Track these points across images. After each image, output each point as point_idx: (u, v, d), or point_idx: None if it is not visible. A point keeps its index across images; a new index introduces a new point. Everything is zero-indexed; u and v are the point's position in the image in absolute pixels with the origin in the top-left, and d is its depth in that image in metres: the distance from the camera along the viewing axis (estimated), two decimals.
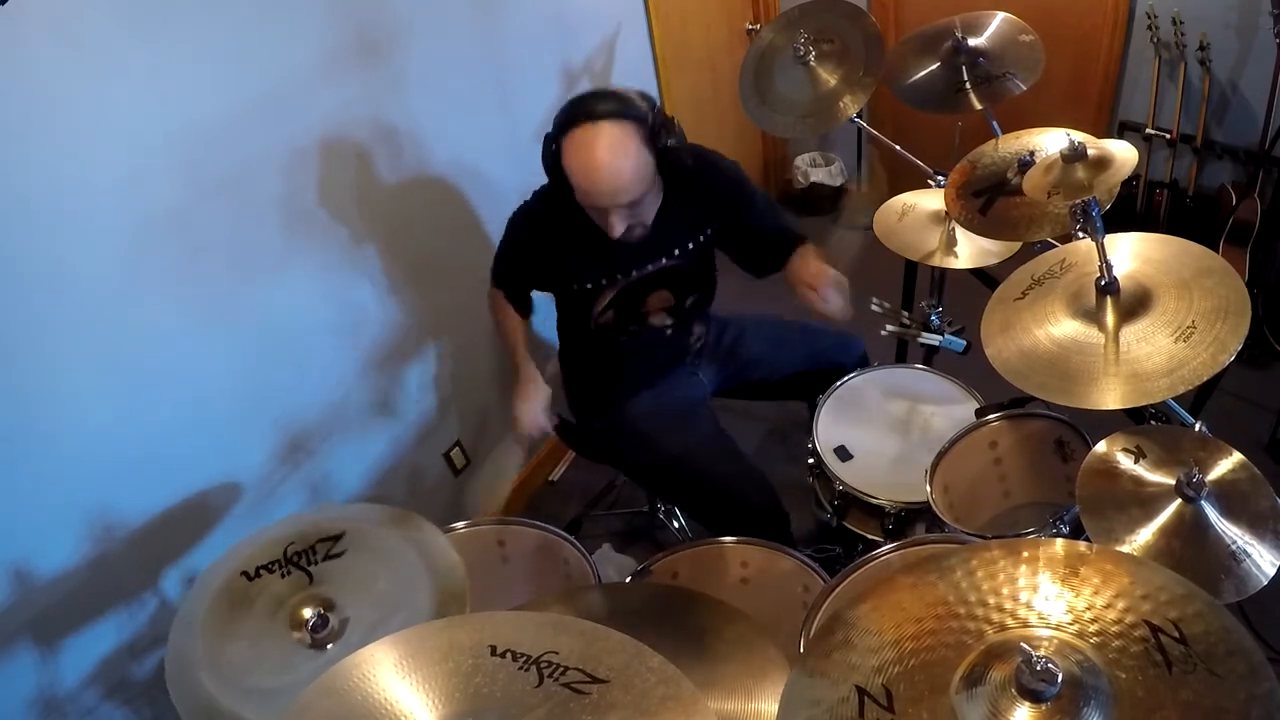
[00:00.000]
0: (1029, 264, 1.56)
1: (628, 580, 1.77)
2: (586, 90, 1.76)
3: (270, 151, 1.87)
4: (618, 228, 1.79)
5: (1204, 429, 1.40)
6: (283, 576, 1.38)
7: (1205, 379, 1.23)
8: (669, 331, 2.09)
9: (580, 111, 1.70)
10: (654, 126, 1.73)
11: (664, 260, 1.94)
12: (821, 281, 1.90)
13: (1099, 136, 1.71)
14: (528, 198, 1.99)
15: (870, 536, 2.00)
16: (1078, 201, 1.48)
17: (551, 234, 1.90)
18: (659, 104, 1.78)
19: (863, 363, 2.27)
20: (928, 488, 1.78)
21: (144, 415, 1.76)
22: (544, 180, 1.96)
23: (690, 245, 1.96)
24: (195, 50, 1.68)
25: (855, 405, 2.15)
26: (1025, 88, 2.03)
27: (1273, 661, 0.85)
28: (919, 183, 2.27)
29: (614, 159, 1.69)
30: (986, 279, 2.17)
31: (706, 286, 2.13)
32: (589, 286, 1.93)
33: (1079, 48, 3.17)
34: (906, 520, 1.94)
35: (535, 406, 1.98)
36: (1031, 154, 1.85)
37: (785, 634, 1.65)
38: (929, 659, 0.93)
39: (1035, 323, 1.43)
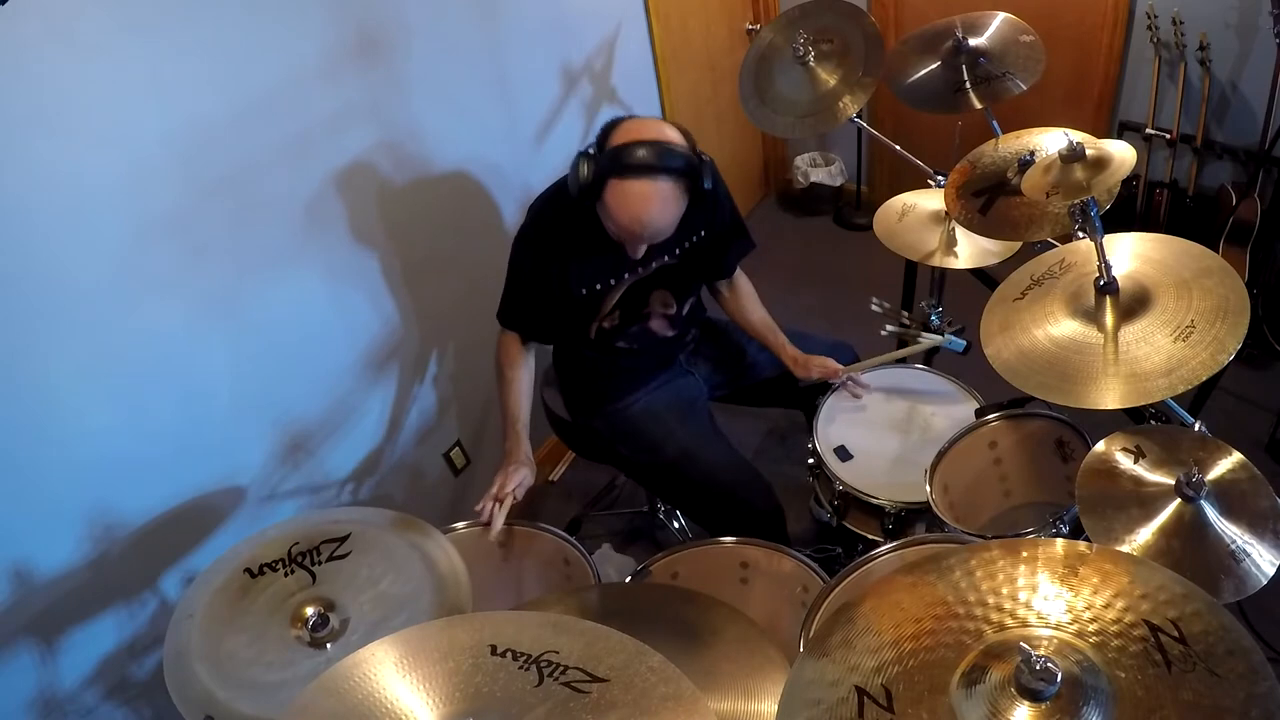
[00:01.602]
0: (1029, 264, 1.56)
1: (628, 580, 1.77)
2: (640, 134, 1.70)
3: (270, 151, 1.87)
4: (640, 253, 1.85)
5: (1203, 429, 1.40)
6: (286, 575, 1.39)
7: (1204, 379, 1.23)
8: (667, 338, 2.10)
9: (639, 162, 1.67)
10: (697, 173, 1.73)
11: (665, 258, 1.96)
12: (835, 373, 2.12)
13: (1099, 136, 1.71)
14: (523, 220, 1.98)
15: (870, 536, 2.00)
16: (1076, 201, 1.48)
17: (556, 248, 1.89)
18: (693, 140, 1.79)
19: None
20: (928, 488, 1.78)
21: (144, 415, 1.76)
22: (543, 181, 1.96)
23: (687, 245, 1.97)
24: (195, 50, 1.68)
25: (855, 405, 2.15)
26: (1025, 88, 2.03)
27: (1272, 661, 0.85)
28: (919, 183, 2.27)
29: (664, 214, 1.72)
30: (986, 279, 2.18)
31: (698, 290, 2.15)
32: (598, 288, 1.93)
33: (1079, 48, 3.17)
34: (906, 520, 1.94)
35: (509, 485, 1.85)
36: (1031, 154, 1.85)
37: (785, 634, 1.66)
38: (928, 659, 0.93)
39: (1035, 323, 1.43)
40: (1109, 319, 1.36)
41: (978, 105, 2.08)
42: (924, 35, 2.22)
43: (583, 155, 1.74)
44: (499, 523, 1.79)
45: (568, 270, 1.89)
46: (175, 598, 1.89)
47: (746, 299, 2.23)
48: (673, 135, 1.74)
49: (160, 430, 1.80)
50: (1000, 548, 1.03)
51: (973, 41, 2.12)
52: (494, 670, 0.99)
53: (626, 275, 1.94)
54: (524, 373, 2.02)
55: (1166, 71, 3.03)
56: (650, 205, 1.70)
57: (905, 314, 2.25)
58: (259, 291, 1.93)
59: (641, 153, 1.67)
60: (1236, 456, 1.31)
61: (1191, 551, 1.21)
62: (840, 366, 2.14)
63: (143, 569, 1.85)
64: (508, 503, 1.82)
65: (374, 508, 1.58)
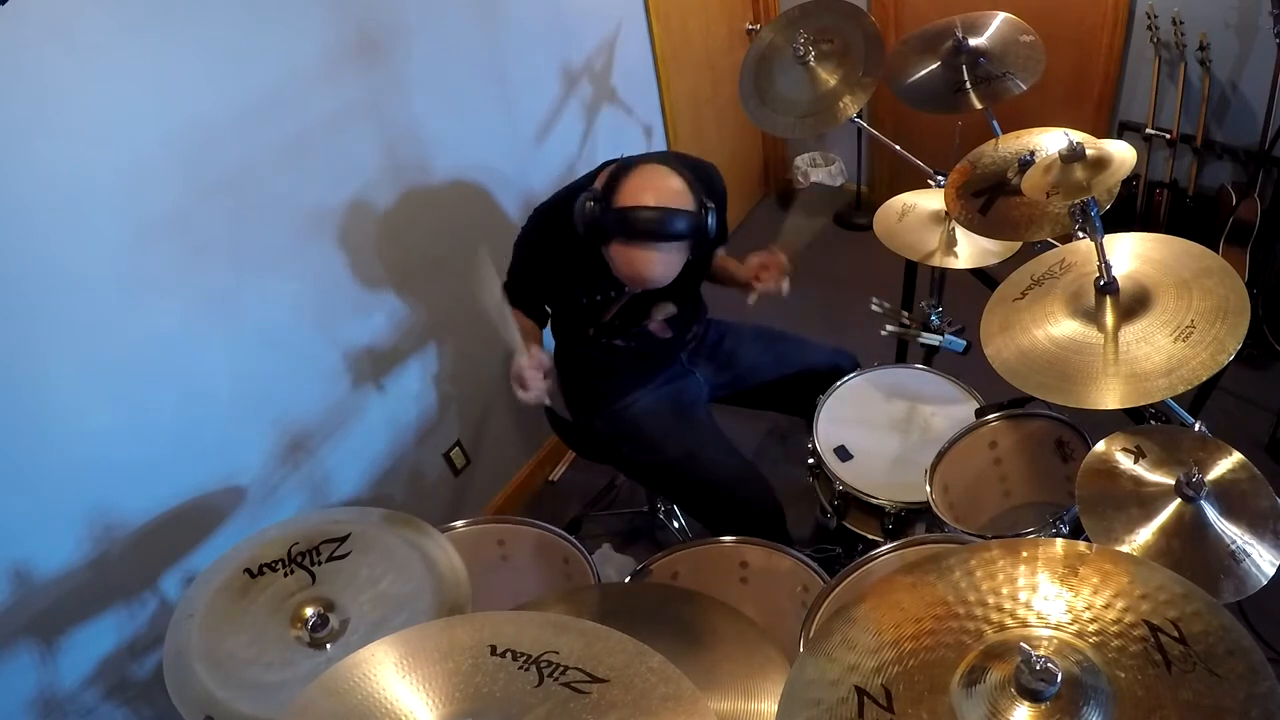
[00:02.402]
0: (1029, 264, 1.56)
1: (628, 580, 1.77)
2: (644, 194, 1.68)
3: (271, 151, 1.87)
4: (637, 290, 1.87)
5: (1204, 429, 1.40)
6: (286, 575, 1.39)
7: (1204, 379, 1.23)
8: (666, 339, 2.11)
9: (646, 228, 1.66)
10: (703, 230, 1.73)
11: None
12: (775, 267, 2.00)
13: (1099, 136, 1.71)
14: (530, 214, 1.98)
15: (870, 536, 2.00)
16: (1077, 201, 1.48)
17: (560, 254, 1.89)
18: (714, 184, 1.79)
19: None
20: (928, 488, 1.78)
21: (144, 415, 1.76)
22: (543, 180, 1.96)
23: (689, 259, 1.97)
24: (195, 50, 1.68)
25: (855, 405, 2.15)
26: (1025, 88, 2.03)
27: (1272, 661, 0.85)
28: (919, 183, 2.27)
29: (667, 275, 1.76)
30: (986, 279, 2.17)
31: (698, 294, 2.15)
32: (599, 299, 1.94)
33: (1079, 48, 3.16)
34: (906, 520, 1.94)
35: (537, 364, 1.81)
36: (1031, 154, 1.85)
37: (785, 634, 1.66)
38: (928, 659, 0.93)
39: (1035, 323, 1.43)
40: (1109, 319, 1.36)
41: (978, 105, 2.08)
42: (924, 35, 2.22)
43: (589, 199, 1.73)
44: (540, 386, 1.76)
45: (568, 279, 1.90)
46: (175, 598, 1.89)
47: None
48: (678, 188, 1.71)
49: (160, 430, 1.80)
50: (1000, 548, 1.03)
51: (973, 41, 2.12)
52: (494, 670, 0.99)
53: (627, 290, 1.94)
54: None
55: (1166, 71, 3.03)
56: (654, 270, 1.73)
57: (905, 314, 2.25)
58: (259, 291, 1.93)
59: (648, 218, 1.66)
60: (1236, 456, 1.31)
61: (1191, 551, 1.21)
62: (776, 254, 2.03)
63: (143, 569, 1.85)
64: (536, 362, 1.77)
65: (374, 508, 1.58)
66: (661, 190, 1.69)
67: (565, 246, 1.86)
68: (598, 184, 1.79)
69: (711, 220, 1.75)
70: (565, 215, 1.83)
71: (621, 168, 1.76)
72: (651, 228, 1.66)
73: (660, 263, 1.72)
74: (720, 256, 2.17)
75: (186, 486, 1.89)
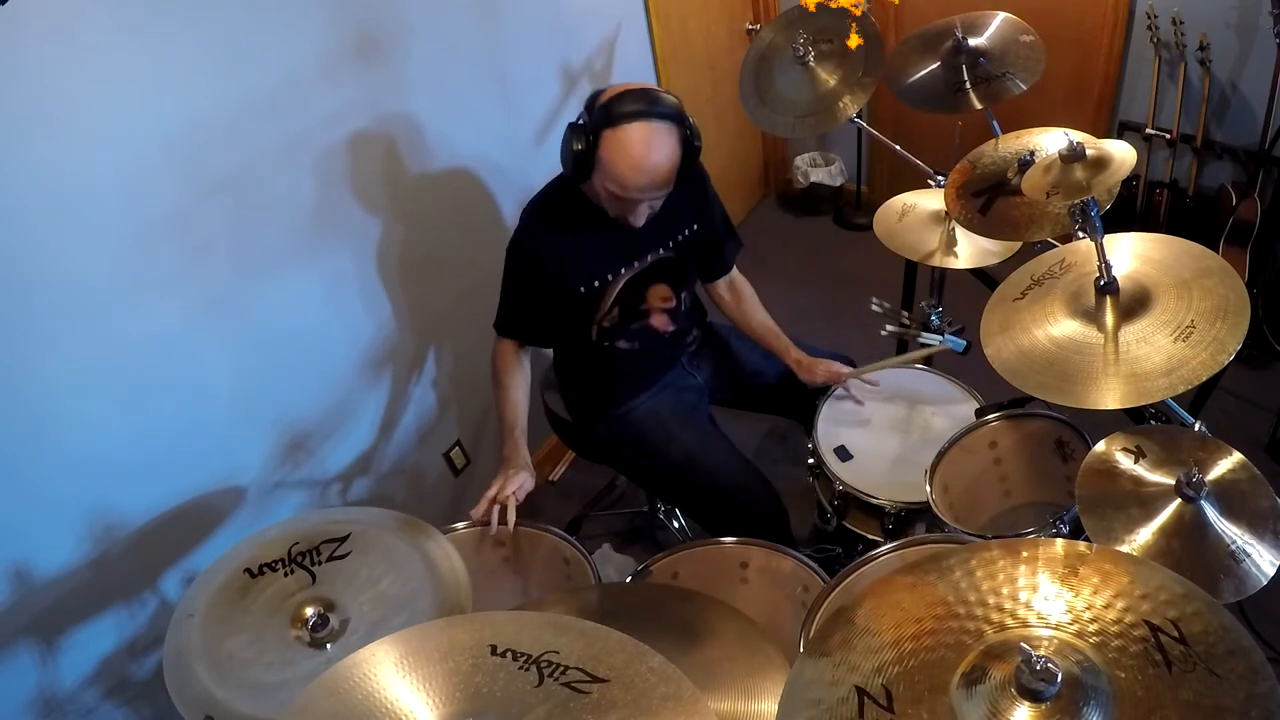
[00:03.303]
0: (1029, 264, 1.56)
1: (628, 580, 1.77)
2: (627, 87, 1.73)
3: (270, 151, 1.87)
4: (642, 218, 1.83)
5: (1204, 429, 1.40)
6: (286, 575, 1.39)
7: (1204, 379, 1.23)
8: (668, 335, 2.10)
9: (635, 108, 1.69)
10: (688, 122, 1.76)
11: (661, 251, 1.96)
12: (840, 377, 2.14)
13: (1099, 136, 1.71)
14: (520, 216, 1.97)
15: (870, 536, 2.00)
16: (1076, 201, 1.48)
17: (551, 249, 1.89)
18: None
19: None
20: (928, 488, 1.78)
21: (144, 415, 1.76)
22: (543, 180, 1.96)
23: (680, 237, 1.98)
24: (195, 50, 1.68)
25: (855, 405, 2.15)
26: (1025, 88, 2.03)
27: (1272, 661, 0.85)
28: (919, 183, 2.27)
29: (665, 158, 1.73)
30: (986, 279, 2.17)
31: (694, 282, 2.15)
32: (596, 285, 1.93)
33: (1079, 48, 3.17)
34: (906, 520, 1.94)
35: (508, 488, 1.84)
36: (1031, 154, 1.85)
37: (785, 634, 1.66)
38: (928, 659, 0.93)
39: (1035, 323, 1.43)
40: (1109, 319, 1.36)
41: (978, 105, 2.08)
42: (924, 35, 2.22)
43: (572, 126, 1.74)
44: (510, 520, 1.78)
45: (564, 269, 1.89)
46: (175, 598, 1.89)
47: (748, 302, 2.23)
48: (660, 88, 1.77)
49: (160, 430, 1.80)
50: (1000, 548, 1.03)
51: (973, 41, 2.12)
52: (494, 670, 0.99)
53: (623, 270, 1.94)
54: (520, 379, 2.02)
55: (1166, 71, 3.03)
56: (648, 149, 1.70)
57: (905, 314, 2.25)
58: (259, 291, 1.93)
59: (632, 99, 1.70)
60: (1236, 456, 1.31)
61: (1191, 551, 1.21)
62: (846, 370, 2.14)
63: (143, 569, 1.85)
64: (511, 504, 1.81)
65: (374, 508, 1.58)
66: (640, 86, 1.75)
67: (559, 233, 1.87)
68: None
69: (697, 139, 1.78)
70: (549, 206, 1.86)
71: (596, 91, 1.78)
72: (638, 105, 1.69)
73: (654, 139, 1.69)
74: (751, 305, 2.21)
75: (186, 486, 1.89)
